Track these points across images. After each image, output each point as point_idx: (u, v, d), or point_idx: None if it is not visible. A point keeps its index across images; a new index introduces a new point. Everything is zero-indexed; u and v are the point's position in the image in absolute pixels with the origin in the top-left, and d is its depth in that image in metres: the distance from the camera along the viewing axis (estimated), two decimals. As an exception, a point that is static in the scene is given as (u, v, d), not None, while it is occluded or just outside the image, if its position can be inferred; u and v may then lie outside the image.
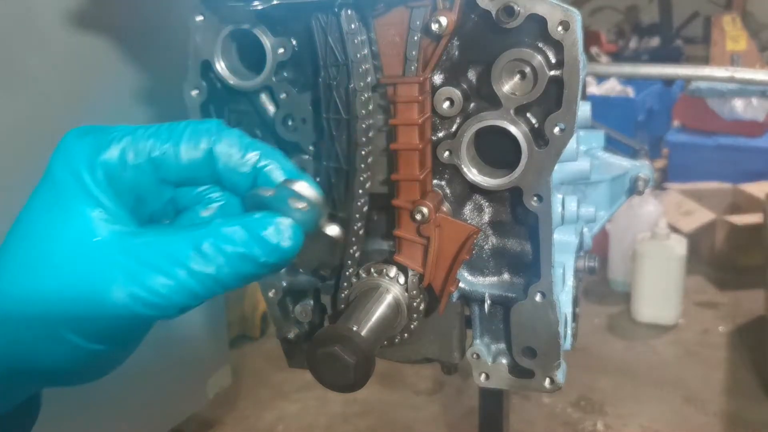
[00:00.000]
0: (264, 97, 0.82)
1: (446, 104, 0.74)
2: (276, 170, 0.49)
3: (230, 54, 0.80)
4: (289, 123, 0.81)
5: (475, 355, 0.83)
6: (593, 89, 4.30)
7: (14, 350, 0.42)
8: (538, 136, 0.71)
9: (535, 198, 0.72)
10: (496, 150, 0.75)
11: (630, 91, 4.33)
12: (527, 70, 0.69)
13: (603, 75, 3.52)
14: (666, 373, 2.50)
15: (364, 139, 0.75)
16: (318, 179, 0.80)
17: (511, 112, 0.71)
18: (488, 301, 0.81)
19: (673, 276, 2.77)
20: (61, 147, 0.45)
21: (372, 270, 0.78)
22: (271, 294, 0.86)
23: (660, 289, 2.78)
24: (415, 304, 0.78)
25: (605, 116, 1.62)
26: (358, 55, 0.72)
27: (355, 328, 0.68)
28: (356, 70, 0.72)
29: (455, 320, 0.85)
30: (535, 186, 0.72)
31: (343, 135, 0.75)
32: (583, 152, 1.10)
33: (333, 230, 0.52)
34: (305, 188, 0.48)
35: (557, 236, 0.83)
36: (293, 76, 0.80)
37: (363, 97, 0.73)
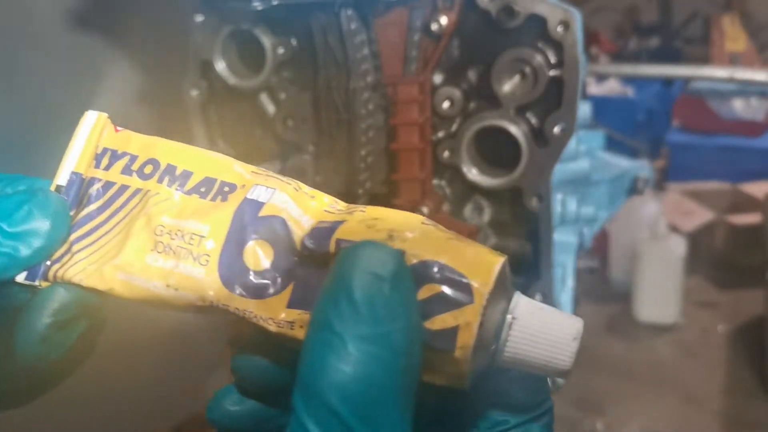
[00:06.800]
0: (264, 97, 0.82)
1: (446, 104, 0.74)
2: None
3: (230, 54, 0.80)
4: (289, 123, 0.80)
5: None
6: (593, 89, 4.29)
7: None
8: (538, 136, 0.71)
9: (535, 198, 0.72)
10: (496, 150, 0.75)
11: (630, 91, 4.32)
12: (527, 70, 0.69)
13: (603, 75, 3.51)
14: (666, 373, 2.49)
15: (364, 139, 0.75)
16: (318, 179, 0.80)
17: (511, 112, 0.71)
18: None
19: (673, 276, 2.76)
20: None
21: (372, 270, 0.78)
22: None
23: (660, 289, 2.77)
24: (415, 304, 0.78)
25: (605, 116, 1.62)
26: (358, 55, 0.72)
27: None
28: (356, 70, 0.72)
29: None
30: (535, 186, 0.72)
31: (343, 135, 0.75)
32: (583, 152, 1.10)
33: None
34: None
35: (557, 236, 0.83)
36: (293, 76, 0.80)
37: (363, 97, 0.73)
